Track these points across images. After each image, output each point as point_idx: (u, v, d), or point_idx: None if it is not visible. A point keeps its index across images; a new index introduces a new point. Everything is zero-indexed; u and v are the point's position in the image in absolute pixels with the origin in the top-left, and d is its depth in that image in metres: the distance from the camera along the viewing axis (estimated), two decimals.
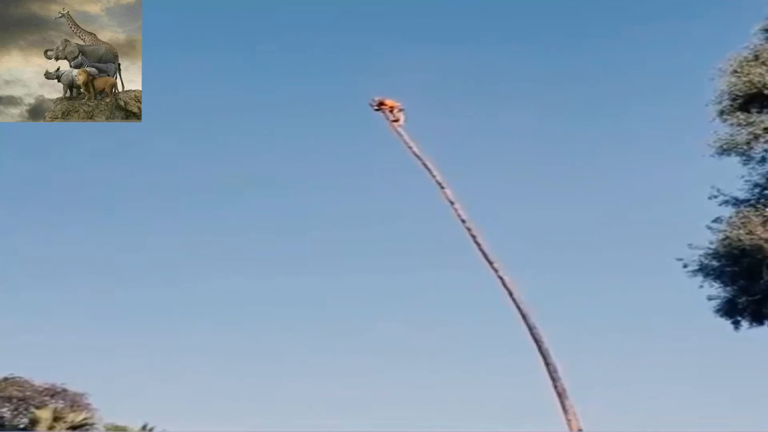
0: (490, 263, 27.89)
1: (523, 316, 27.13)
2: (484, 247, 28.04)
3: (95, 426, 45.03)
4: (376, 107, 30.67)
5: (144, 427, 48.49)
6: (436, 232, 63.91)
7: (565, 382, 26.45)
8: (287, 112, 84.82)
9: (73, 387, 49.93)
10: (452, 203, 28.69)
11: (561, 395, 26.23)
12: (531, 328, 27.00)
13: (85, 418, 43.30)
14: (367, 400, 63.29)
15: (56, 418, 41.46)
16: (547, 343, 26.95)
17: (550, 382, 26.57)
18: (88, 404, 48.61)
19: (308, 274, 79.15)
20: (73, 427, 41.58)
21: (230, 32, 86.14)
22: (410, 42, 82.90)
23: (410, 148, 29.82)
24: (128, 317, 73.04)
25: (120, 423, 48.35)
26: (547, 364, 26.64)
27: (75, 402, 48.17)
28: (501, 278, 27.62)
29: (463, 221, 28.40)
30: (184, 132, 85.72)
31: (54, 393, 50.00)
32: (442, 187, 28.88)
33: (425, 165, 29.39)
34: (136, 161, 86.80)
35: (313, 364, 68.03)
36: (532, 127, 78.27)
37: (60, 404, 47.25)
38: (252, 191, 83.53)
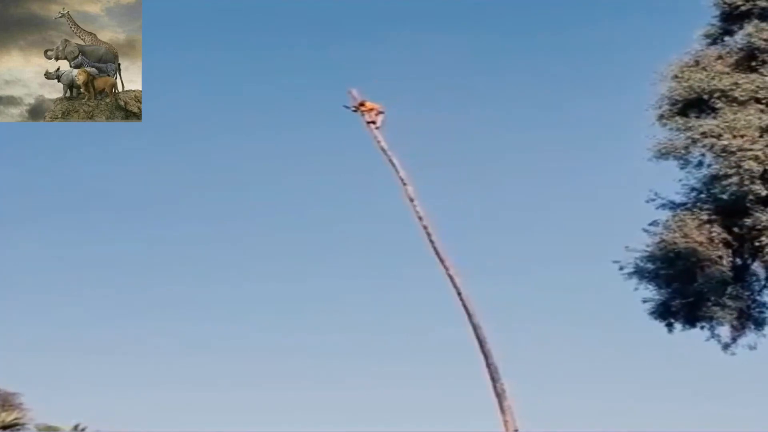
0: (442, 261, 28.82)
1: (469, 316, 28.08)
2: (438, 245, 28.98)
3: (27, 426, 44.78)
4: (354, 108, 31.24)
5: (76, 427, 48.23)
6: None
7: (505, 383, 27.49)
8: (289, 112, 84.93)
9: (4, 386, 49.36)
10: (411, 200, 29.60)
11: (500, 396, 27.28)
12: (475, 328, 27.95)
13: (16, 418, 43.21)
14: (303, 402, 64.02)
15: None
16: (490, 343, 27.94)
17: (489, 383, 27.57)
18: (20, 404, 48.00)
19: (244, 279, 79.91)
20: (4, 427, 41.46)
21: (230, 32, 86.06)
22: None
23: (378, 141, 30.60)
24: (66, 315, 73.66)
25: (52, 423, 48.03)
26: (489, 364, 27.63)
27: (6, 401, 47.44)
28: (450, 277, 28.57)
29: (420, 218, 29.32)
30: (184, 132, 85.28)
31: None
32: (404, 183, 29.79)
33: (391, 161, 30.25)
34: (136, 161, 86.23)
35: (258, 366, 69.94)
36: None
37: None
38: (249, 192, 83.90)
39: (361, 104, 31.39)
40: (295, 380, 67.57)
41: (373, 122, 31.23)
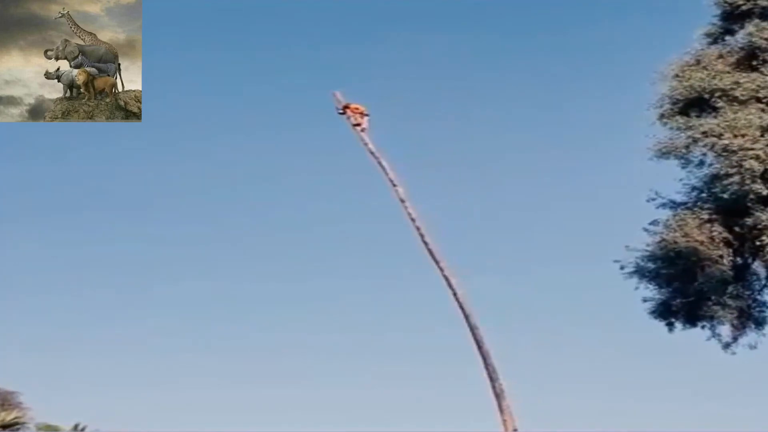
0: (437, 262, 28.85)
1: (466, 317, 28.12)
2: (432, 246, 29.00)
3: (27, 425, 44.86)
4: (341, 111, 31.25)
5: (76, 427, 48.45)
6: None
7: (504, 383, 27.56)
8: (289, 112, 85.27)
9: (4, 385, 49.47)
10: (403, 201, 29.60)
11: (499, 396, 27.32)
12: (473, 329, 28.01)
13: (16, 417, 43.19)
14: (303, 402, 64.44)
15: None
16: (488, 343, 28.01)
17: (488, 383, 27.64)
18: (20, 403, 48.12)
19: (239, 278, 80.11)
20: (4, 426, 41.46)
21: (230, 32, 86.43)
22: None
23: (366, 144, 30.59)
24: (66, 315, 76.89)
25: (52, 422, 48.23)
26: (487, 365, 27.68)
27: (6, 400, 47.60)
28: (446, 278, 28.61)
29: (413, 220, 29.33)
30: (184, 132, 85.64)
31: None
32: (394, 185, 29.79)
33: (380, 163, 30.26)
34: (136, 161, 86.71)
35: (258, 366, 71.24)
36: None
37: None
38: (249, 192, 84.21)
39: (346, 107, 31.45)
40: (295, 380, 68.00)
41: (359, 125, 31.26)
